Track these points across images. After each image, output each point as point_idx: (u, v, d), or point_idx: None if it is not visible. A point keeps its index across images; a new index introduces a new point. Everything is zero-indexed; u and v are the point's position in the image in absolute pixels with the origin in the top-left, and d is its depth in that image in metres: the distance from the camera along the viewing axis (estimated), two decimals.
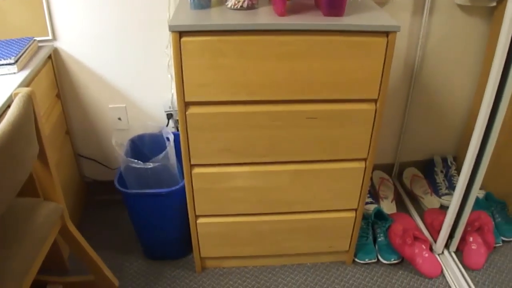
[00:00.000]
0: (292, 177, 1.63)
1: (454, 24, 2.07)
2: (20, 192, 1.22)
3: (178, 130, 2.09)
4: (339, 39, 1.35)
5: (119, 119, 2.11)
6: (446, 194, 2.29)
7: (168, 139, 1.83)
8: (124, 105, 2.09)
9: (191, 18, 1.37)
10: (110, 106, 2.09)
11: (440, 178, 2.37)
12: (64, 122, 2.03)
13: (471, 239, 1.95)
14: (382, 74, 1.42)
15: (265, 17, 1.38)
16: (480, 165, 1.71)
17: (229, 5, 1.44)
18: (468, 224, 1.93)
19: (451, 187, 2.31)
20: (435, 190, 2.34)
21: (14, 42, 1.77)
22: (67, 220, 1.50)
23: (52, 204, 1.43)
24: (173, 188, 1.72)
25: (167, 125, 2.10)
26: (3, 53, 1.66)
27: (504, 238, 2.07)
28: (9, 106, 1.38)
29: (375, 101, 1.48)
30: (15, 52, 1.66)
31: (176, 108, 1.93)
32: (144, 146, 1.98)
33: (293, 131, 1.51)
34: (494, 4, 1.98)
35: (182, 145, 1.52)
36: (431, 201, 2.28)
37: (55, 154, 1.86)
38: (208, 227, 1.75)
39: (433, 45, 2.11)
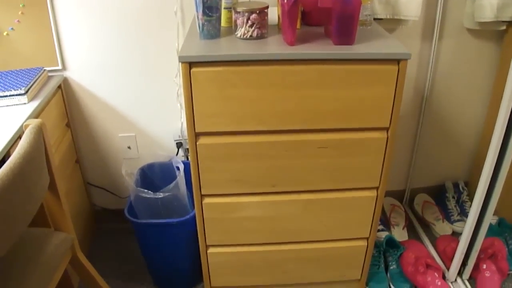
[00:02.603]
0: (302, 207, 1.62)
1: (464, 49, 2.08)
2: (30, 222, 1.22)
3: (188, 159, 2.10)
4: (349, 67, 1.35)
5: (129, 148, 2.12)
6: (458, 220, 2.28)
7: (178, 168, 1.83)
8: (134, 134, 2.10)
9: (201, 49, 1.37)
10: (120, 135, 2.10)
11: (451, 204, 2.36)
12: (74, 151, 2.04)
13: (484, 266, 1.93)
14: (394, 102, 1.41)
15: (275, 46, 1.39)
16: (494, 191, 1.70)
17: (238, 35, 1.45)
18: (481, 251, 1.91)
19: (463, 213, 2.30)
20: (447, 216, 2.33)
21: (24, 72, 1.79)
22: (77, 250, 1.50)
23: (62, 235, 1.43)
24: (184, 218, 1.72)
25: (177, 154, 2.10)
26: (14, 83, 1.68)
27: None
28: (19, 137, 1.39)
29: (387, 129, 1.47)
30: (25, 82, 1.68)
31: (186, 137, 1.93)
32: (154, 175, 1.98)
33: (304, 161, 1.51)
34: (503, 27, 1.99)
35: (193, 175, 1.52)
36: (443, 228, 2.26)
37: (65, 183, 1.86)
38: (218, 256, 1.74)
39: (443, 70, 2.12)
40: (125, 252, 2.16)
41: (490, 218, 1.77)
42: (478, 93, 2.21)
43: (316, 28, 1.55)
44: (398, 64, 1.35)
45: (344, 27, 1.34)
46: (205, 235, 1.67)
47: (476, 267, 1.94)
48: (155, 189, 1.72)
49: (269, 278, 1.82)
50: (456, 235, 2.19)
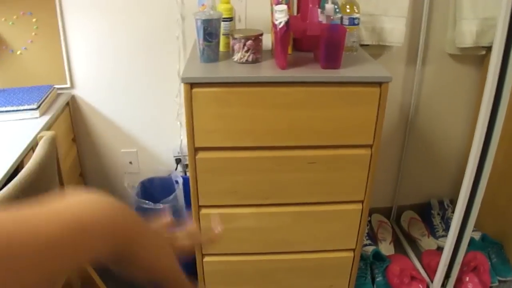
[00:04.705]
0: (293, 218, 1.69)
1: (446, 72, 2.17)
2: None
3: (186, 174, 2.19)
4: (336, 89, 1.46)
5: (130, 163, 2.21)
6: (443, 236, 2.33)
7: (177, 182, 1.92)
8: (136, 150, 2.19)
9: (201, 71, 1.49)
10: (122, 150, 2.19)
11: (437, 220, 2.43)
12: (78, 165, 2.14)
13: (467, 279, 2.00)
14: (376, 121, 1.51)
15: (268, 70, 1.50)
16: (473, 206, 1.78)
17: (235, 59, 1.56)
18: (464, 264, 1.98)
19: (448, 229, 2.35)
20: (432, 232, 2.40)
21: (36, 89, 1.90)
22: None
23: None
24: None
25: (176, 169, 2.19)
26: (27, 99, 1.78)
27: (500, 278, 2.12)
28: (32, 148, 1.50)
29: (371, 146, 1.56)
30: (37, 98, 1.79)
31: (185, 153, 2.02)
32: (154, 188, 2.06)
33: (294, 175, 1.59)
34: (483, 52, 2.08)
35: (191, 187, 1.60)
36: (428, 243, 2.34)
37: None
38: (213, 265, 1.80)
39: (426, 93, 2.20)
40: None
41: (470, 232, 1.84)
42: (460, 114, 2.29)
43: (306, 54, 1.65)
44: (380, 86, 1.45)
45: (331, 52, 1.45)
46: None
47: (460, 279, 2.00)
48: (155, 202, 1.81)
49: (261, 287, 1.88)
50: (441, 250, 2.22)
